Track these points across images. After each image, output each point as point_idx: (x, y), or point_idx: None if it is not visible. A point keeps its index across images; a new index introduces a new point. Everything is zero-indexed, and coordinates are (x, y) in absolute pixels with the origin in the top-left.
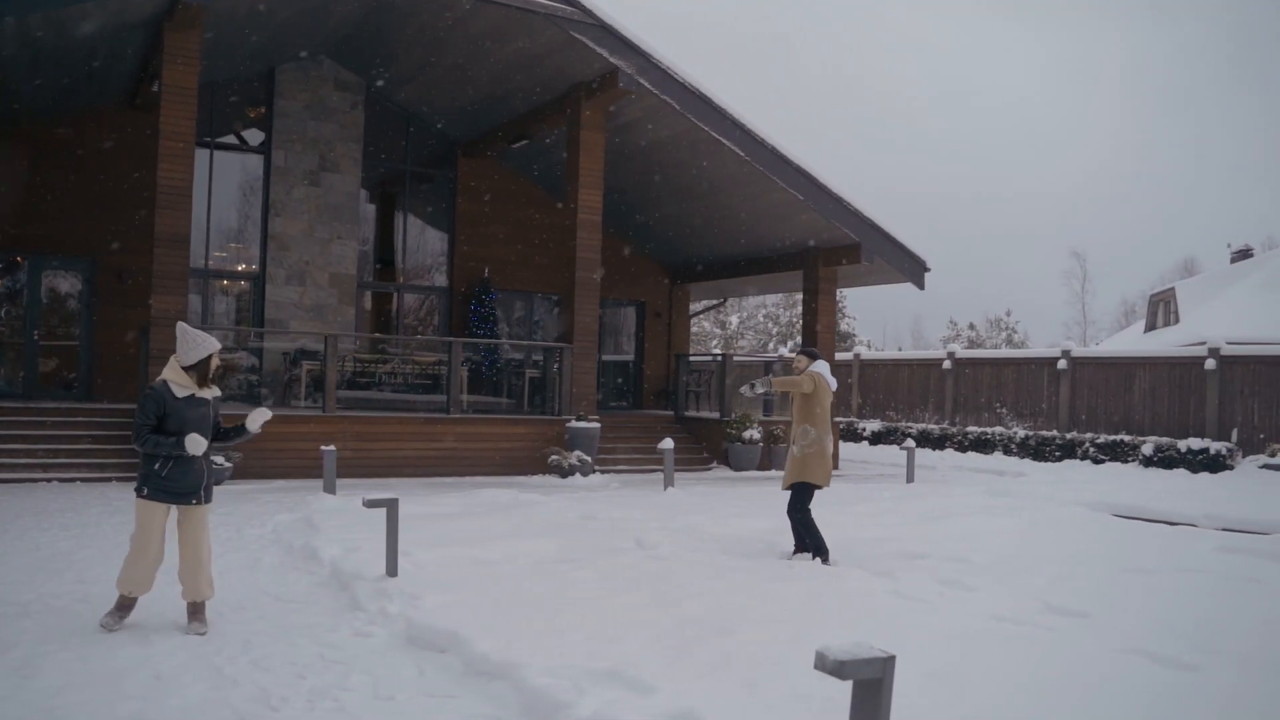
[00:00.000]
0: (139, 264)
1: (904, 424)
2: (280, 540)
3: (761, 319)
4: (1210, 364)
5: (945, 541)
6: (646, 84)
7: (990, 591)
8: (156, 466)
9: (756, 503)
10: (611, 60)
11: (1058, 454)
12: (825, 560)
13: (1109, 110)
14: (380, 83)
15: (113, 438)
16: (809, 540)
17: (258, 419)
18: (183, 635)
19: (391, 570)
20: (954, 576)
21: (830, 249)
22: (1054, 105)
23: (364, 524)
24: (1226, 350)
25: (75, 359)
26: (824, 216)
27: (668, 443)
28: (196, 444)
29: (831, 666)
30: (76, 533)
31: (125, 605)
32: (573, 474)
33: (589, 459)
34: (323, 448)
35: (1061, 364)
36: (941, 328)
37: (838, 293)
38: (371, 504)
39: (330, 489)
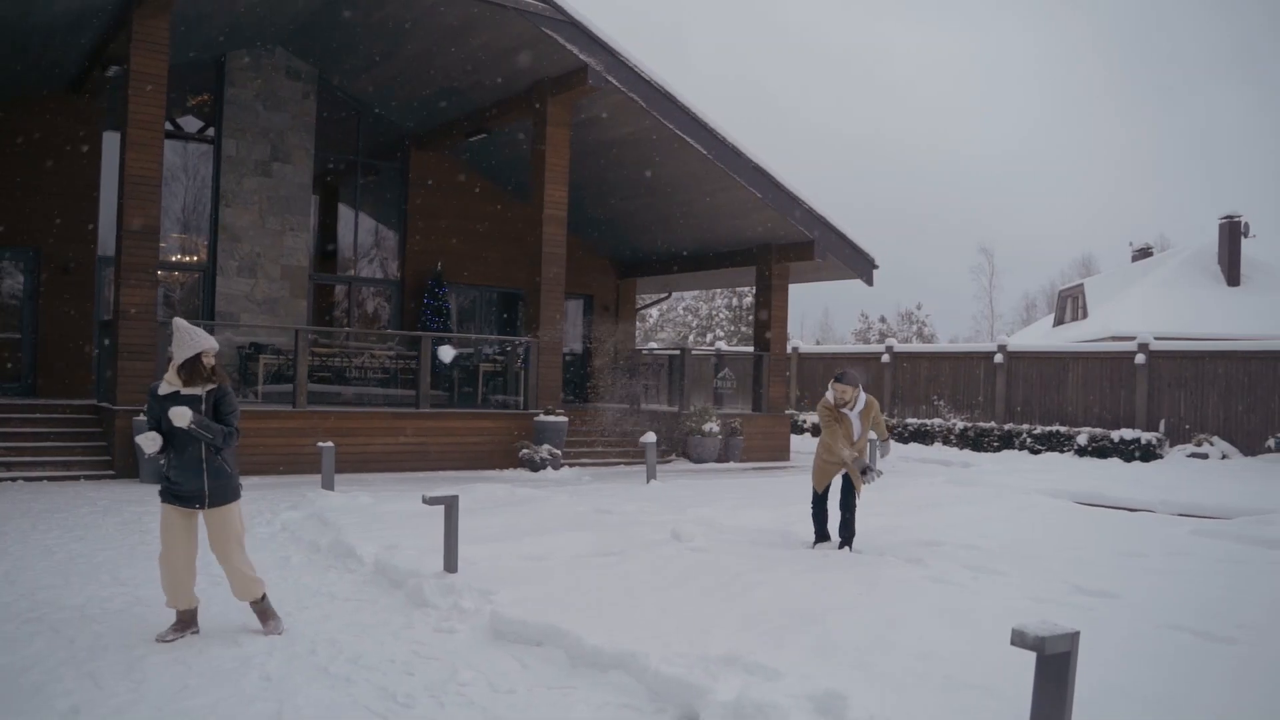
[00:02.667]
0: (84, 255)
1: None
2: (298, 538)
3: (681, 311)
4: (1140, 359)
5: (947, 529)
6: (615, 81)
7: (1018, 575)
8: (163, 466)
9: (747, 494)
10: (582, 57)
11: (996, 445)
12: (816, 545)
13: (1012, 107)
14: (334, 73)
15: (77, 435)
16: (850, 535)
17: (179, 417)
18: (266, 637)
19: (450, 566)
20: (978, 562)
21: (784, 246)
22: (962, 102)
23: (382, 521)
24: (1155, 346)
25: (18, 353)
26: (780, 214)
27: (650, 436)
28: (149, 440)
29: (1032, 642)
30: (80, 534)
31: (181, 619)
32: (544, 468)
33: (558, 453)
34: (320, 444)
35: (998, 358)
36: (851, 321)
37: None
38: (431, 501)
39: (329, 485)
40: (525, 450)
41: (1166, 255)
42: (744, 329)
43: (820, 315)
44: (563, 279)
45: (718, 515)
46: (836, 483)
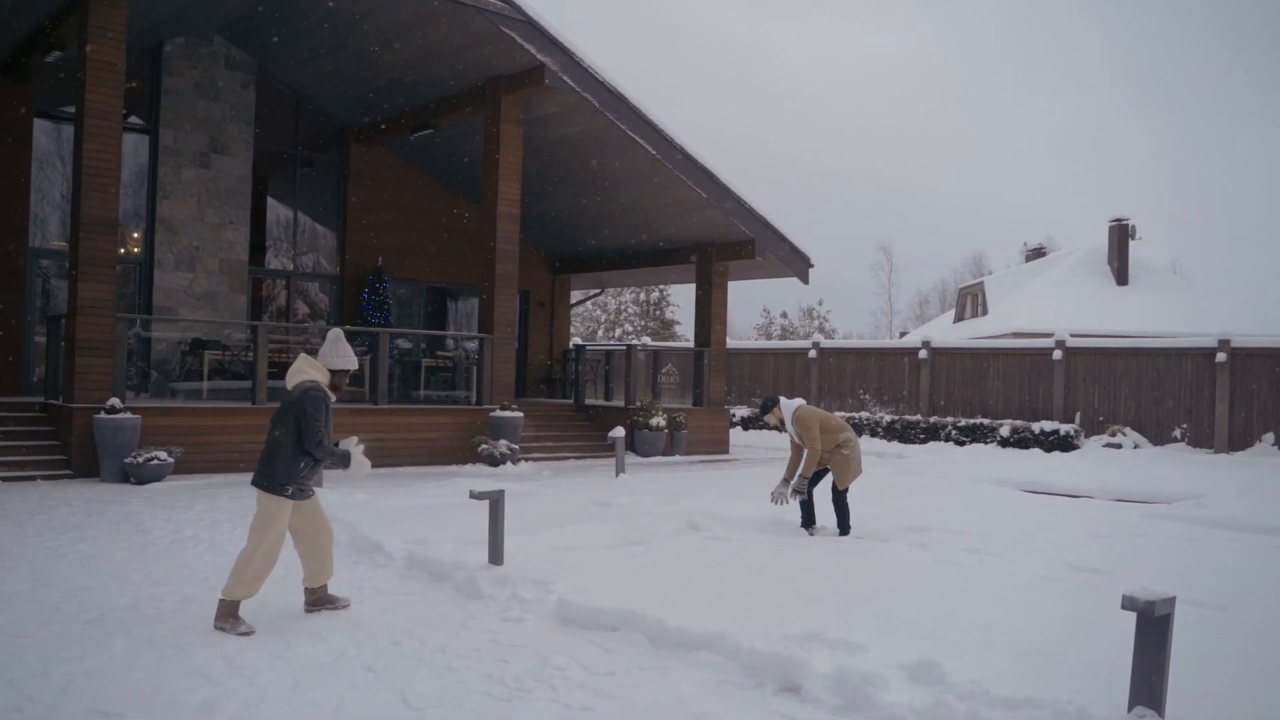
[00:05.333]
0: (15, 245)
1: None
2: None
3: (590, 306)
4: (1057, 355)
5: (924, 516)
6: (569, 81)
7: (1015, 556)
8: (301, 466)
9: (724, 486)
10: (539, 56)
11: (922, 437)
12: (811, 530)
13: (900, 106)
14: (274, 64)
15: (27, 434)
16: (843, 521)
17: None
18: (346, 634)
19: (496, 559)
20: (974, 545)
21: (724, 245)
22: (850, 102)
23: (388, 517)
24: (1071, 343)
25: None
26: (723, 214)
27: (618, 431)
28: (356, 449)
29: (1143, 606)
30: (77, 535)
31: (233, 609)
32: (504, 462)
33: (516, 447)
34: None
35: (922, 354)
36: (754, 317)
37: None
38: (478, 496)
39: (319, 482)
40: (484, 445)
41: (1059, 256)
42: (652, 324)
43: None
44: (515, 275)
45: (711, 506)
46: (829, 480)
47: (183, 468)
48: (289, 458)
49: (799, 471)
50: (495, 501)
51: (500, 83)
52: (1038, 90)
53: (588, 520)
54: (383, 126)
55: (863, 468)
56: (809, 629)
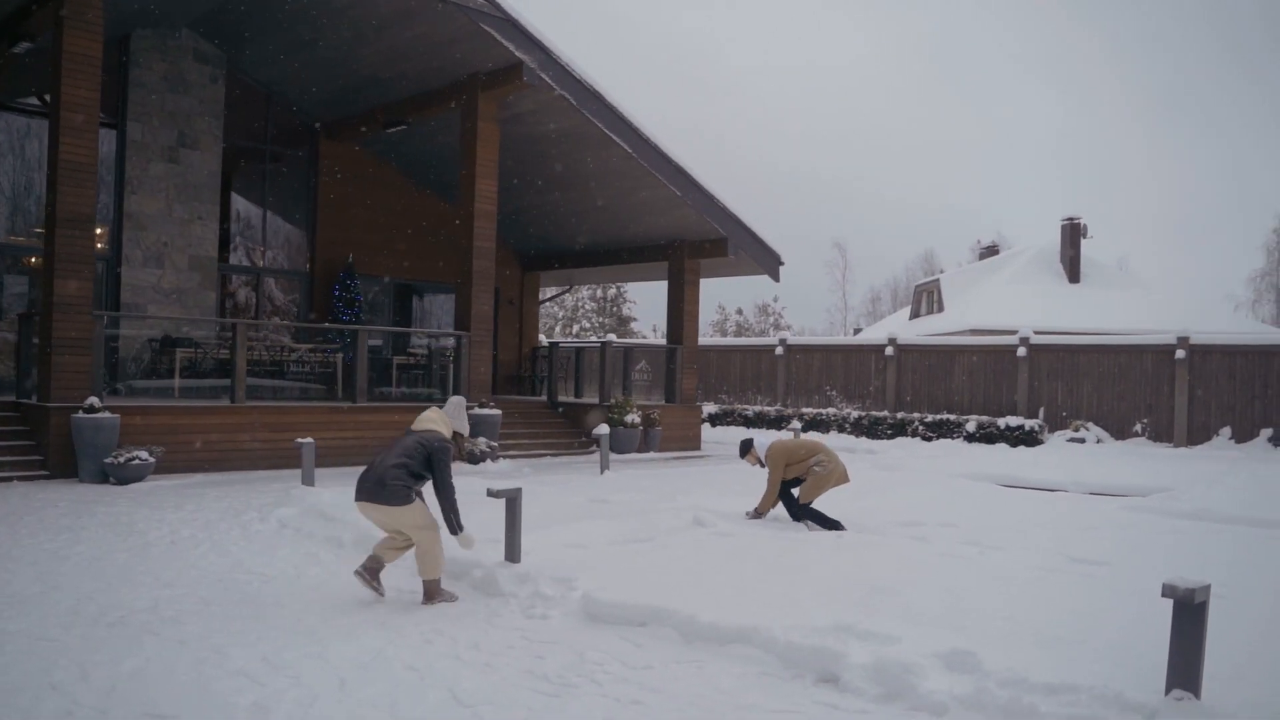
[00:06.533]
0: None
1: (739, 406)
2: (310, 534)
3: (548, 303)
4: (1022, 351)
5: (913, 510)
6: (547, 79)
7: (1012, 549)
8: (411, 491)
9: (712, 483)
10: (518, 54)
11: (890, 432)
12: (822, 528)
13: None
14: (243, 58)
15: (1, 433)
16: (823, 523)
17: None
18: (378, 633)
19: (513, 557)
20: (971, 539)
21: (696, 242)
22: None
23: None
24: (1035, 340)
25: None
26: (697, 212)
27: (603, 428)
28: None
29: (1183, 594)
30: (71, 537)
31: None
32: (484, 460)
33: (495, 445)
34: (298, 440)
35: (889, 350)
36: (709, 313)
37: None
38: (495, 494)
39: (310, 481)
40: (466, 444)
41: (1013, 254)
42: (608, 321)
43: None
44: (492, 272)
45: (707, 503)
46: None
47: (161, 467)
48: (408, 484)
49: (757, 506)
50: (513, 500)
51: (478, 79)
52: (983, 91)
53: (590, 517)
54: (355, 122)
55: (849, 477)
56: (837, 621)
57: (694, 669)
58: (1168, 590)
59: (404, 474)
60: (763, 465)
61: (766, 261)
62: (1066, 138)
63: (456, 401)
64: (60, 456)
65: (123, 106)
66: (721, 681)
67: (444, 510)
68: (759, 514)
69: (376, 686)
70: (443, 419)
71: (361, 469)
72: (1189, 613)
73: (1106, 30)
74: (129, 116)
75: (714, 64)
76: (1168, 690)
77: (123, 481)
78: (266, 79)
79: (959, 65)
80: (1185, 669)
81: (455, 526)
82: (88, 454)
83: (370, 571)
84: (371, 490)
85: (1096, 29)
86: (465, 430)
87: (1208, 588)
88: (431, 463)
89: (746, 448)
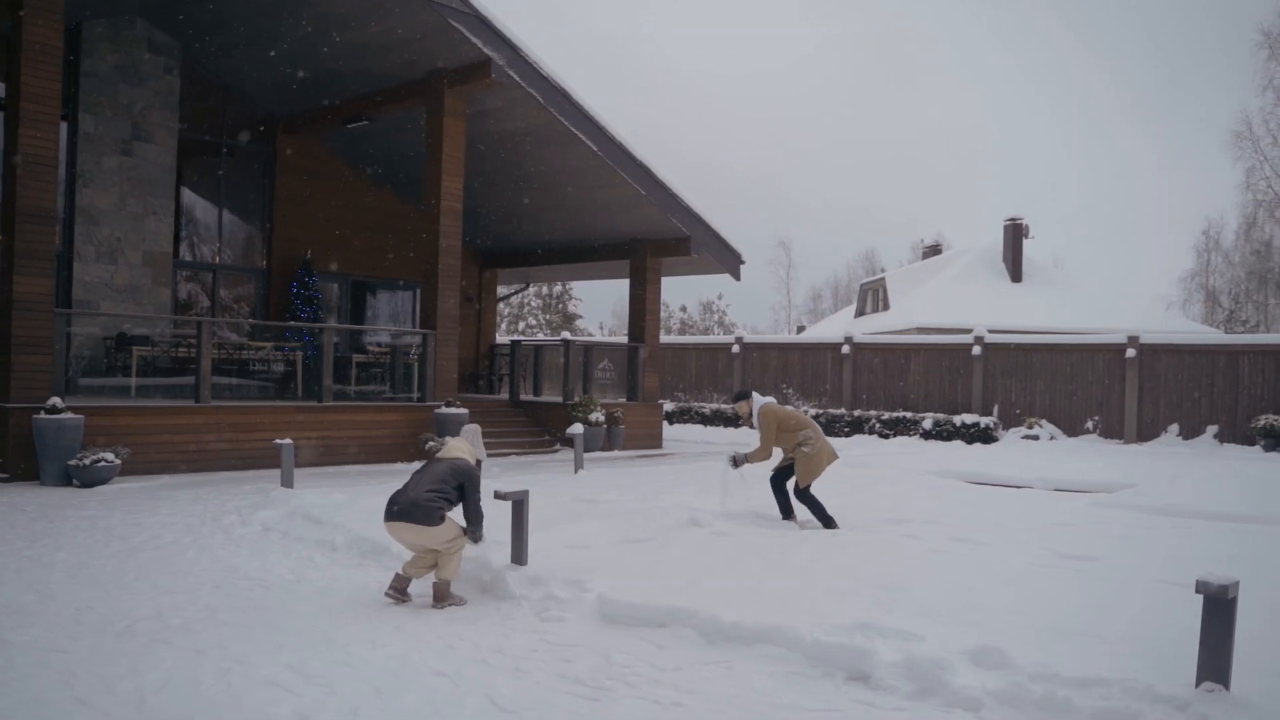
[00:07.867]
0: None
1: (695, 404)
2: (299, 537)
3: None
4: (976, 350)
5: (895, 507)
6: (515, 76)
7: (1000, 545)
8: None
9: (688, 481)
10: (486, 51)
11: (847, 430)
12: (797, 523)
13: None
14: (199, 49)
15: None
16: (820, 516)
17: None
18: (399, 640)
19: (520, 559)
20: (959, 535)
21: (659, 241)
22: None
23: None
24: (989, 339)
25: None
26: (660, 211)
27: (577, 428)
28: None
29: (1215, 590)
30: (50, 543)
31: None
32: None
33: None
34: (277, 441)
35: (845, 349)
36: None
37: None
38: (503, 496)
39: (289, 482)
40: (431, 443)
41: (956, 253)
42: (554, 318)
43: (616, 304)
44: (458, 270)
45: (690, 501)
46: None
47: (125, 469)
48: (441, 507)
49: (746, 454)
50: (519, 502)
51: (444, 76)
52: (922, 91)
53: (584, 518)
54: (316, 117)
55: (836, 453)
56: (857, 619)
57: (723, 670)
58: (1200, 586)
59: (438, 498)
60: (748, 420)
61: (728, 260)
62: (1000, 139)
63: (473, 429)
64: (21, 459)
65: (74, 98)
66: (754, 682)
67: (471, 524)
68: (746, 461)
69: (413, 694)
70: (467, 447)
71: (333, 470)
72: (1220, 608)
73: (1044, 28)
74: (81, 108)
75: (655, 64)
76: (1198, 682)
77: (87, 484)
78: (224, 71)
79: (898, 67)
80: (1216, 662)
81: (478, 537)
82: (50, 456)
83: (398, 590)
84: (406, 511)
85: (1032, 31)
86: (484, 456)
87: (1237, 584)
88: (464, 488)
89: (741, 397)
